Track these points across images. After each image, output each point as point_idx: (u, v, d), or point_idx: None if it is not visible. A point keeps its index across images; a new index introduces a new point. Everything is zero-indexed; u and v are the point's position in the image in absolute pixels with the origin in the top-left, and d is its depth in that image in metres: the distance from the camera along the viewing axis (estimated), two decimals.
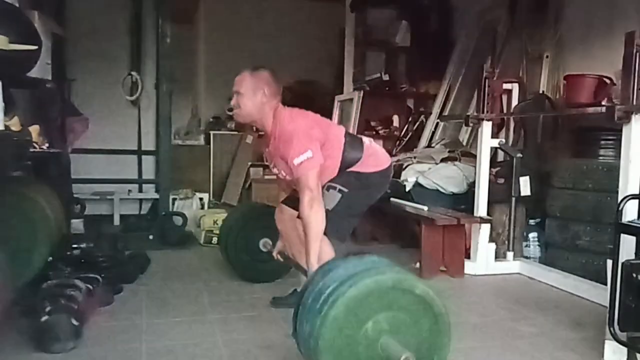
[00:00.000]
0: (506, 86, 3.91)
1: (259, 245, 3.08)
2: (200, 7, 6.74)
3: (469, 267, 3.56)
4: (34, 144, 2.88)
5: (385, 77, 5.34)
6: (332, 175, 2.40)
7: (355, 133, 3.87)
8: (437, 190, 4.14)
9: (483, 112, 3.61)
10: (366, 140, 2.55)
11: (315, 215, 2.20)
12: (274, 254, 2.78)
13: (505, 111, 3.92)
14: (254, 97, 2.35)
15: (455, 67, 5.11)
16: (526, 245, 3.77)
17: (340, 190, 2.36)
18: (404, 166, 4.44)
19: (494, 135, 3.71)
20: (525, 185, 3.61)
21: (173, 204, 4.98)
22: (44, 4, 3.65)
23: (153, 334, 2.38)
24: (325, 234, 2.25)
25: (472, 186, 3.88)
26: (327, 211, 2.26)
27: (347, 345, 1.51)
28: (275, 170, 2.49)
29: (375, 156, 2.50)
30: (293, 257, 2.63)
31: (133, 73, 5.08)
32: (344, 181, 2.39)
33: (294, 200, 2.42)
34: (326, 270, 1.70)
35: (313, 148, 2.26)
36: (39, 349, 2.14)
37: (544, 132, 3.87)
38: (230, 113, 6.28)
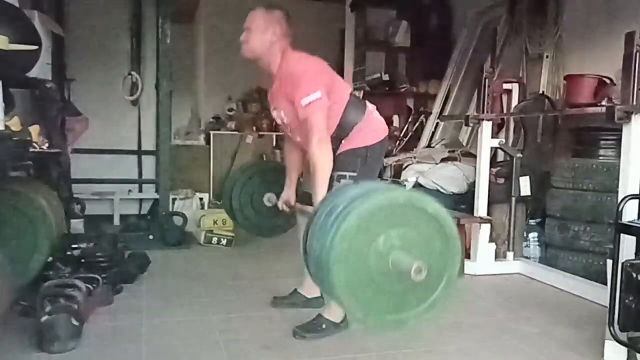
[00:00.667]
0: (506, 86, 3.91)
1: (263, 200, 3.07)
2: (200, 7, 6.74)
3: (469, 267, 3.56)
4: (34, 144, 2.87)
5: (385, 77, 5.35)
6: (330, 131, 2.31)
7: None
8: (437, 190, 4.14)
9: (483, 112, 3.61)
10: (370, 106, 2.48)
11: (323, 155, 2.18)
12: (279, 204, 2.75)
13: (505, 111, 3.92)
14: (263, 35, 2.32)
15: (455, 67, 5.12)
16: (526, 245, 3.77)
17: (350, 177, 2.31)
18: (404, 166, 4.44)
19: (494, 135, 3.71)
20: (525, 185, 3.61)
21: (173, 204, 4.98)
22: (44, 4, 3.65)
23: (153, 334, 2.38)
24: None
25: (472, 186, 3.88)
26: None
27: (358, 259, 1.48)
28: (274, 114, 2.45)
29: (374, 124, 2.44)
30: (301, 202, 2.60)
31: (133, 73, 5.07)
32: (350, 166, 2.33)
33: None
34: (339, 190, 1.70)
35: (321, 89, 2.21)
36: (39, 349, 2.14)
37: (544, 132, 3.87)
38: (231, 113, 6.38)
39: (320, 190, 2.17)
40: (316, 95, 2.19)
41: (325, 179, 2.19)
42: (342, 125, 2.36)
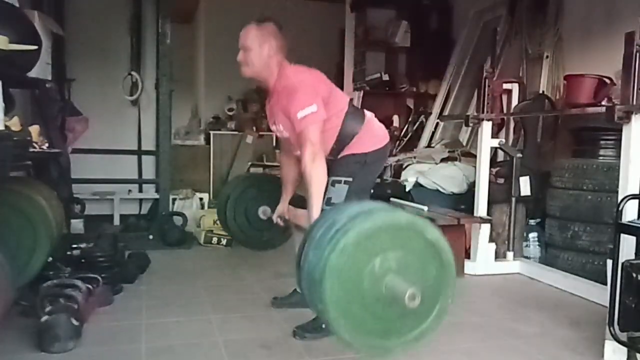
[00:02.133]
0: (506, 86, 3.90)
1: (258, 213, 3.03)
2: (200, 7, 6.74)
3: (469, 267, 3.56)
4: (34, 144, 2.87)
5: (385, 77, 5.35)
6: (329, 143, 2.33)
7: None
8: (437, 190, 4.14)
9: (483, 112, 3.61)
10: (369, 114, 2.48)
11: (316, 169, 2.15)
12: (274, 217, 2.72)
13: (505, 111, 3.92)
14: (261, 51, 2.26)
15: (455, 67, 5.12)
16: (526, 245, 3.77)
17: (345, 182, 2.30)
18: (404, 166, 4.44)
19: (494, 135, 3.71)
20: (525, 185, 3.61)
21: (173, 204, 4.97)
22: (44, 4, 3.66)
23: (153, 334, 2.38)
24: None
25: (472, 186, 3.88)
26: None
27: (352, 277, 1.46)
28: (274, 128, 2.42)
29: (373, 131, 2.43)
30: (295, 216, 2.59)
31: (133, 73, 5.08)
32: (346, 171, 2.32)
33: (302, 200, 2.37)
34: (339, 208, 1.69)
35: (317, 102, 2.20)
36: (39, 349, 2.14)
37: (544, 132, 3.86)
38: (231, 113, 6.38)
39: (315, 203, 2.15)
40: (312, 109, 2.17)
41: (320, 192, 2.17)
42: (341, 135, 2.35)
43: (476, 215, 3.60)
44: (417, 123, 5.30)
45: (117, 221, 5.07)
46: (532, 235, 3.77)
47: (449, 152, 4.34)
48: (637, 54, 2.15)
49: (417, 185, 4.18)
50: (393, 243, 1.50)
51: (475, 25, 5.06)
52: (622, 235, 2.06)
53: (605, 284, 2.61)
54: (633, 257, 2.04)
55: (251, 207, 3.07)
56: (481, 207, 3.60)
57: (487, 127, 3.60)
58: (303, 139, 2.18)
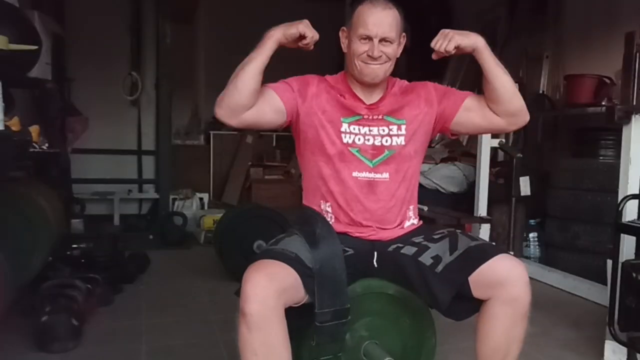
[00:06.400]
0: None
1: (253, 247, 3.12)
2: (200, 7, 6.74)
3: None
4: (34, 144, 2.87)
5: None
6: None
7: None
8: (437, 190, 4.14)
9: None
10: None
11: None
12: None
13: None
14: (399, 45, 1.62)
15: (455, 67, 5.11)
16: (526, 245, 3.77)
17: None
18: None
19: (494, 135, 3.71)
20: (525, 185, 3.61)
21: (173, 204, 4.98)
22: (44, 4, 3.65)
23: (153, 334, 2.38)
24: None
25: (472, 186, 3.87)
26: None
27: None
28: (356, 140, 1.58)
29: None
30: None
31: (133, 73, 5.08)
32: None
33: None
34: None
35: None
36: (39, 349, 2.14)
37: (544, 132, 3.87)
38: None
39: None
40: None
41: None
42: None
43: (476, 215, 3.60)
44: None
45: (117, 221, 5.06)
46: (532, 235, 3.77)
47: (448, 152, 4.34)
48: (637, 54, 2.15)
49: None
50: (356, 313, 1.48)
51: (474, 25, 5.06)
52: (622, 235, 2.06)
53: (605, 284, 2.61)
54: (633, 257, 2.04)
55: (246, 240, 3.14)
56: (481, 207, 3.60)
57: None
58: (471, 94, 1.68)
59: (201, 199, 5.40)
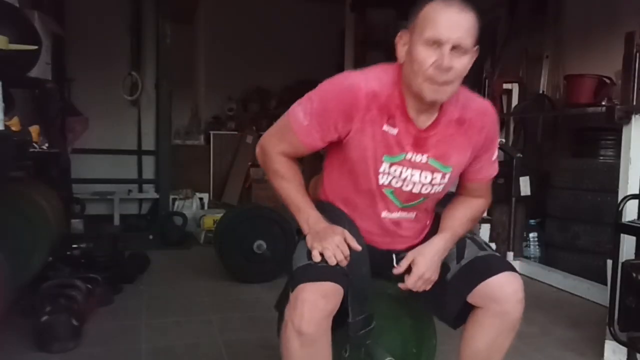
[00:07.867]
0: (506, 86, 3.91)
1: (253, 247, 3.13)
2: (200, 7, 6.74)
3: None
4: (34, 144, 2.88)
5: None
6: None
7: None
8: None
9: None
10: None
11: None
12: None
13: (505, 111, 3.92)
14: (471, 60, 1.31)
15: None
16: (526, 245, 3.77)
17: None
18: None
19: None
20: (525, 185, 3.61)
21: (173, 204, 4.98)
22: (44, 4, 3.65)
23: (153, 334, 2.38)
24: None
25: None
26: None
27: None
28: (393, 182, 1.39)
29: None
30: None
31: (133, 73, 5.08)
32: None
33: None
34: None
35: None
36: (39, 349, 2.14)
37: (544, 132, 3.87)
38: (231, 113, 6.38)
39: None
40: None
41: None
42: None
43: None
44: None
45: (117, 221, 5.06)
46: (532, 235, 3.77)
47: None
48: (637, 54, 2.15)
49: None
50: None
51: None
52: (622, 235, 2.06)
53: (605, 284, 2.61)
54: (633, 257, 2.04)
55: (246, 240, 3.15)
56: None
57: None
58: (486, 186, 1.64)
59: (201, 199, 5.39)
